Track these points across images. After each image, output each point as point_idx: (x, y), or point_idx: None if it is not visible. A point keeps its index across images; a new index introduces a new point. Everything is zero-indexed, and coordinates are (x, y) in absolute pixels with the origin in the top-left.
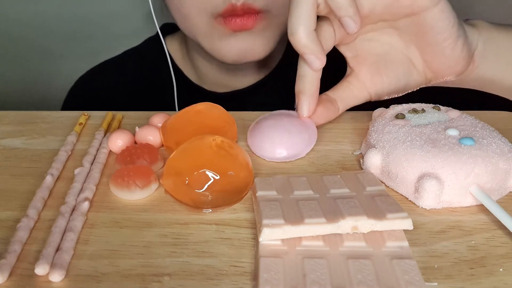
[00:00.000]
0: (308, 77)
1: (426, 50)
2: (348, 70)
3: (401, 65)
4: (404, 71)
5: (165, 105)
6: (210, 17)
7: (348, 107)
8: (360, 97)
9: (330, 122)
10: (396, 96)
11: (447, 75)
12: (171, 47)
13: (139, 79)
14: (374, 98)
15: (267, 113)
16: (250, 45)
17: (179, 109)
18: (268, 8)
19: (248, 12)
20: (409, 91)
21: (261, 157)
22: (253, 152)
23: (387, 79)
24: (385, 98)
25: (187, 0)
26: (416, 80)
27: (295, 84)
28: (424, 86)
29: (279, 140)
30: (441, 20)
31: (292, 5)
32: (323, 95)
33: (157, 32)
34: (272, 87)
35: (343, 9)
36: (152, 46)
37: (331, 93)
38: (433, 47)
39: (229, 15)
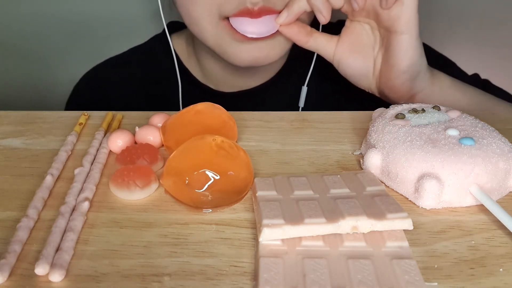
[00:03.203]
0: (302, 5)
1: (383, 64)
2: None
3: (367, 61)
4: (365, 67)
5: (170, 103)
6: (220, 20)
7: (314, 49)
8: (327, 49)
9: (330, 122)
10: (347, 76)
11: (388, 94)
12: (177, 45)
13: (144, 77)
14: (334, 60)
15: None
16: (265, 50)
17: (183, 107)
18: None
19: (266, 13)
20: (359, 86)
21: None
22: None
23: (351, 59)
24: (339, 70)
25: (198, 3)
26: (367, 82)
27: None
28: (369, 91)
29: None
30: (403, 48)
31: None
32: (309, 28)
33: (163, 30)
34: (277, 89)
35: None
36: (158, 44)
37: (316, 32)
38: (387, 66)
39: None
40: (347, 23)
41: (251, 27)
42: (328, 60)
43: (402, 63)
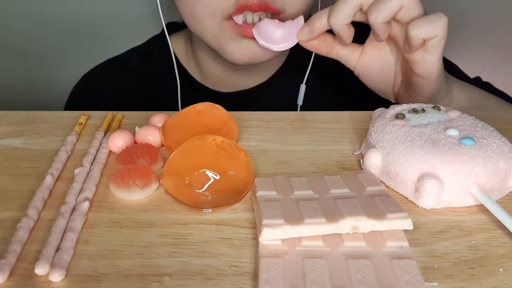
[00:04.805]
0: (323, 26)
1: (402, 88)
2: (364, 44)
3: (388, 77)
4: (385, 83)
5: (169, 103)
6: (222, 19)
7: (335, 58)
8: (349, 61)
9: (330, 122)
10: (367, 86)
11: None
12: (176, 46)
13: (143, 78)
14: (355, 71)
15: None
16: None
17: (182, 108)
18: (284, 9)
19: (266, 10)
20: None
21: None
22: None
23: (372, 73)
24: (360, 79)
25: (201, 2)
26: (386, 94)
27: (315, 14)
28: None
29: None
30: (419, 87)
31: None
32: (331, 40)
33: (161, 31)
34: (275, 89)
35: (377, 29)
36: (156, 44)
37: (338, 45)
38: (405, 92)
39: (241, 13)
40: (371, 35)
41: (269, 35)
42: (349, 68)
43: (417, 97)
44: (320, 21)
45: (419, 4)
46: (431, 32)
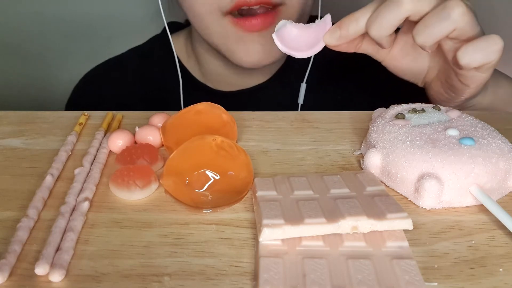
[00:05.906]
0: (359, 31)
1: (436, 83)
2: (396, 37)
3: (421, 69)
4: (417, 73)
5: (169, 103)
6: (221, 15)
7: (365, 53)
8: (377, 56)
9: (330, 122)
10: (395, 74)
11: (433, 101)
12: (176, 45)
13: (143, 78)
14: (383, 63)
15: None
16: (267, 47)
17: (184, 107)
18: (283, 0)
19: (264, 4)
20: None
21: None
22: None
23: (401, 67)
24: (390, 70)
25: (198, 1)
26: (415, 82)
27: (345, 17)
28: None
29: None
30: (461, 93)
31: (385, 9)
32: (359, 38)
33: (162, 31)
34: (276, 88)
35: (426, 44)
36: (157, 44)
37: (366, 43)
38: (441, 85)
39: (241, 13)
40: (405, 28)
41: (293, 42)
42: (377, 60)
43: (457, 98)
44: (356, 26)
45: (474, 24)
46: (484, 60)
